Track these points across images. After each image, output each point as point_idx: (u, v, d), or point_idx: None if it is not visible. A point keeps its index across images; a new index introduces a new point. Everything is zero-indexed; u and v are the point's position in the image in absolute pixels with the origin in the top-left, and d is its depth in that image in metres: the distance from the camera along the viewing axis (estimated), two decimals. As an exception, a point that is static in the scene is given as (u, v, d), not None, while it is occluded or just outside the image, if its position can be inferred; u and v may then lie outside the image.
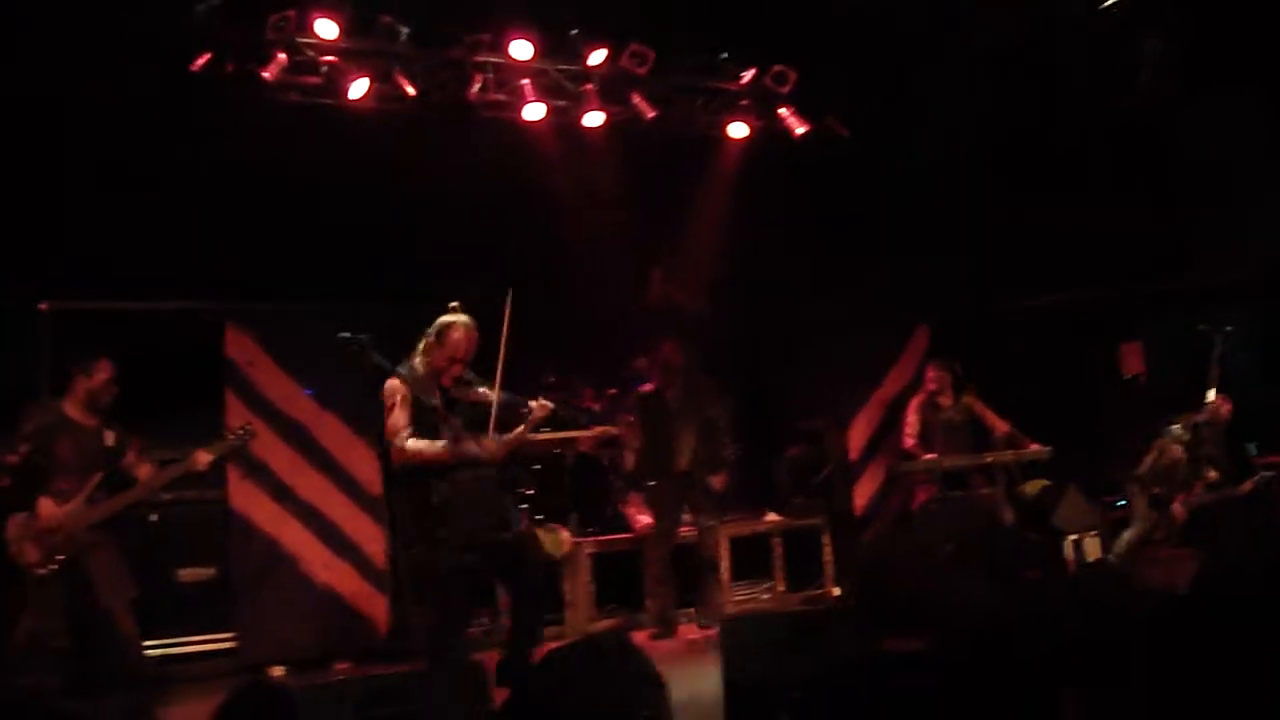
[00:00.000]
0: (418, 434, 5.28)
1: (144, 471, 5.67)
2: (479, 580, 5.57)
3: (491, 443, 5.34)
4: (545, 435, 8.33)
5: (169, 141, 7.21)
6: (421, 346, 5.45)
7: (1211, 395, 8.23)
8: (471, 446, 5.29)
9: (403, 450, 5.28)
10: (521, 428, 5.52)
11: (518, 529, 5.64)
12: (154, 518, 7.10)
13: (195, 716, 4.21)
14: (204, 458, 5.63)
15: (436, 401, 5.34)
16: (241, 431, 5.60)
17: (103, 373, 5.64)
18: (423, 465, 5.27)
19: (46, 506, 5.42)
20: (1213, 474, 8.12)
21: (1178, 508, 7.85)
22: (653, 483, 7.64)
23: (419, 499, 5.28)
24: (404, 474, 5.36)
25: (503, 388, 5.45)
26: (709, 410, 7.64)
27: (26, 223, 7.04)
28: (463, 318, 5.46)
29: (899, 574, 2.90)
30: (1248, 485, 8.00)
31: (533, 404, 5.53)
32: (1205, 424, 8.15)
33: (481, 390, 5.43)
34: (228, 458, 6.14)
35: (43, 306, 7.03)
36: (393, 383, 5.33)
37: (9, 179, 6.94)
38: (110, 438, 5.64)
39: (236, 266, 7.50)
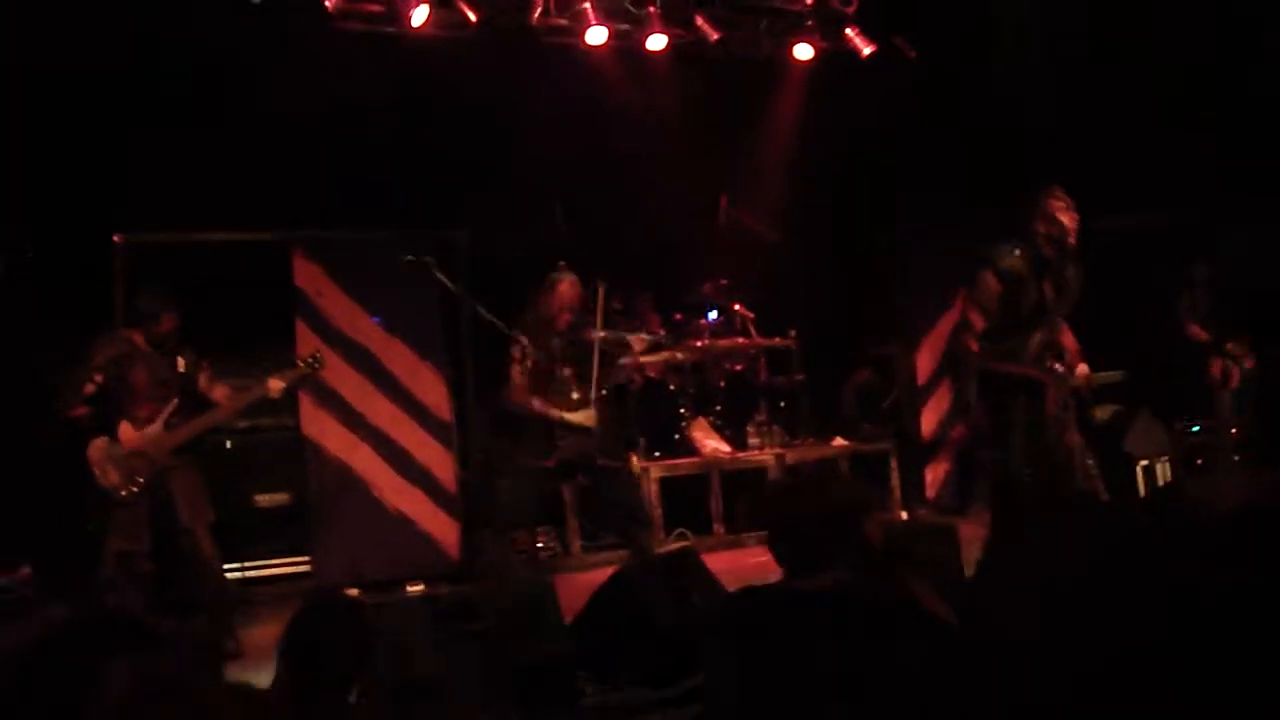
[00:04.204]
0: (533, 386, 5.94)
1: (220, 393, 5.79)
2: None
3: (578, 416, 5.95)
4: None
5: (235, 73, 7.25)
6: (533, 299, 6.05)
7: None
8: (558, 414, 5.92)
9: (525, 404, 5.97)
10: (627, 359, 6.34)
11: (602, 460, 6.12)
12: (230, 444, 7.27)
13: (273, 636, 4.32)
14: (276, 385, 5.74)
15: (555, 343, 6.00)
16: (312, 359, 5.68)
17: (168, 324, 5.73)
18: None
19: (126, 431, 5.58)
20: None
21: None
22: None
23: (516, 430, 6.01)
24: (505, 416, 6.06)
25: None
26: None
27: (99, 157, 7.14)
28: (568, 274, 6.06)
29: (805, 515, 2.87)
30: None
31: (631, 340, 6.19)
32: None
33: (588, 331, 6.02)
34: (299, 385, 6.24)
35: (117, 238, 7.14)
36: (519, 339, 5.98)
37: (81, 116, 7.03)
38: (181, 364, 5.75)
39: (303, 196, 7.55)
